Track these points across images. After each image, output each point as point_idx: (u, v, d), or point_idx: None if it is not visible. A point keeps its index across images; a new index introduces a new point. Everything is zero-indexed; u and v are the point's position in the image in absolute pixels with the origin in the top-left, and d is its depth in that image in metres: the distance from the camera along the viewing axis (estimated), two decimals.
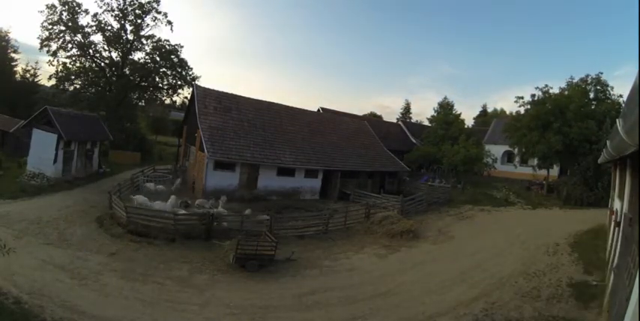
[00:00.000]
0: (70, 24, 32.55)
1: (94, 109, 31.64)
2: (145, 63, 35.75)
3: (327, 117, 32.83)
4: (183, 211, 16.17)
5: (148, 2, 34.87)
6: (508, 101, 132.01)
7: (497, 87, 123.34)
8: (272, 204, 20.93)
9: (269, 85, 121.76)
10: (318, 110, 37.22)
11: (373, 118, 51.32)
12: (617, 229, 8.84)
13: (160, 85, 37.56)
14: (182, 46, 36.40)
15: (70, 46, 33.22)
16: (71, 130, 22.28)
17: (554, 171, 29.42)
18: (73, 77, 33.67)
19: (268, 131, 24.24)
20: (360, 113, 52.79)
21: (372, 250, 14.74)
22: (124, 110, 34.20)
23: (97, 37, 34.04)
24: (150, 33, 35.78)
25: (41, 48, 32.70)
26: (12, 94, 36.75)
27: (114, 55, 35.21)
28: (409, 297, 10.22)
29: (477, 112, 73.51)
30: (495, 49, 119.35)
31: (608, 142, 6.48)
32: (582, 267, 11.61)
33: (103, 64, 35.10)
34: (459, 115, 40.71)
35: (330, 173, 24.90)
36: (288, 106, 28.60)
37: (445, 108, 41.24)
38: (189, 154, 26.16)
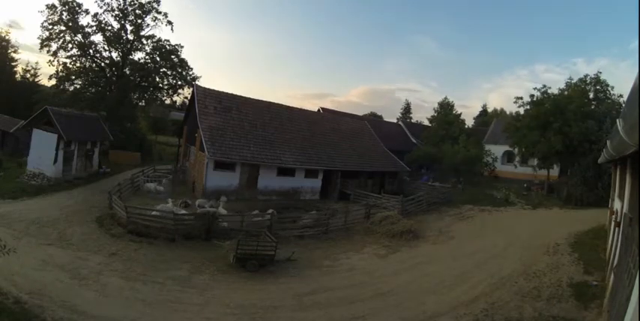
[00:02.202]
0: (70, 24, 32.54)
1: (94, 109, 31.63)
2: (145, 63, 35.74)
3: (328, 117, 32.86)
4: (183, 211, 16.18)
5: (149, 2, 34.85)
6: (501, 91, 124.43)
7: (490, 73, 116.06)
8: (272, 204, 20.92)
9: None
10: (319, 110, 37.29)
11: (373, 118, 51.39)
12: (617, 229, 8.84)
13: (160, 85, 37.54)
14: (182, 46, 36.44)
15: (70, 46, 33.20)
16: (71, 130, 22.26)
17: (555, 171, 29.42)
18: (73, 77, 33.64)
19: (268, 131, 24.24)
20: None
21: (373, 250, 14.75)
22: (124, 110, 34.15)
23: (98, 37, 34.05)
24: (150, 33, 35.79)
25: (41, 48, 32.72)
26: (12, 94, 36.75)
27: (114, 55, 35.21)
28: (409, 297, 10.22)
29: (477, 112, 73.77)
30: (485, 26, 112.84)
31: (608, 142, 6.48)
32: (582, 267, 11.61)
33: (103, 64, 35.09)
34: (459, 115, 40.82)
35: (330, 173, 24.90)
36: (288, 106, 28.65)
37: (445, 108, 41.30)
38: (190, 154, 26.17)
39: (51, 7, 32.05)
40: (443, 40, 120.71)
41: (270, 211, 16.67)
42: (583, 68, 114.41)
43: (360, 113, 52.61)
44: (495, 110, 70.16)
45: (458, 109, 41.57)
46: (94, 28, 33.40)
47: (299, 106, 30.33)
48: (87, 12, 33.26)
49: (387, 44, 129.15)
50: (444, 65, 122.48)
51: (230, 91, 25.76)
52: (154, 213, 15.19)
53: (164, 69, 36.56)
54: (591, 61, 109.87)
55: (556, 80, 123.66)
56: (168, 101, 41.21)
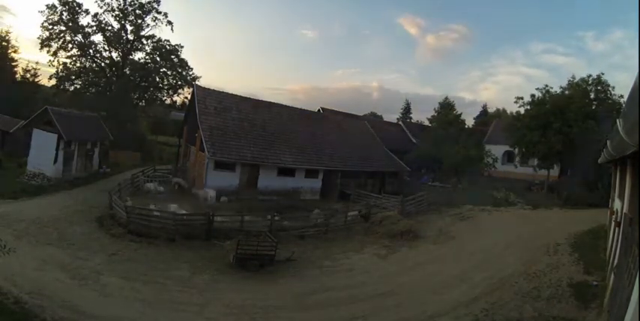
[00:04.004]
0: (70, 24, 32.62)
1: (94, 109, 31.63)
2: (146, 63, 35.80)
3: (328, 117, 32.88)
4: (183, 211, 16.17)
5: (149, 2, 34.95)
6: (494, 80, 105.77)
7: (476, 56, 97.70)
8: (272, 204, 20.90)
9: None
10: (319, 110, 37.28)
11: (373, 118, 51.43)
12: (617, 229, 8.84)
13: (161, 85, 37.60)
14: (182, 46, 36.50)
15: (70, 46, 33.34)
16: (71, 130, 22.27)
17: (555, 171, 29.41)
18: (73, 77, 33.73)
19: (268, 131, 24.23)
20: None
21: (373, 250, 14.73)
22: (124, 110, 34.19)
23: (98, 37, 34.24)
24: (150, 33, 35.88)
25: (42, 48, 32.83)
26: (12, 94, 36.71)
27: (114, 55, 35.32)
28: (409, 297, 10.21)
29: (478, 112, 73.75)
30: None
31: (608, 142, 6.48)
32: (583, 267, 11.61)
33: (103, 64, 35.16)
34: (460, 115, 40.87)
35: (330, 173, 24.89)
36: (288, 106, 28.68)
37: (445, 108, 41.37)
38: (190, 155, 26.16)
39: (51, 7, 32.16)
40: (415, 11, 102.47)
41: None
42: (593, 46, 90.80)
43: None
44: (498, 110, 70.19)
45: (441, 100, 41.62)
46: (94, 28, 33.54)
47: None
48: (87, 12, 33.45)
49: (359, 22, 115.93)
50: (421, 46, 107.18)
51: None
52: (155, 213, 15.19)
53: (164, 69, 36.64)
54: (602, 36, 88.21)
55: (559, 64, 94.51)
56: (168, 101, 41.34)
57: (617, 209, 10.35)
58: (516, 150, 30.41)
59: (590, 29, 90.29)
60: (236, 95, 25.74)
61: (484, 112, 72.32)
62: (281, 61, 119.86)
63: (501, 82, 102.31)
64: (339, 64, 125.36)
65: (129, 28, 34.84)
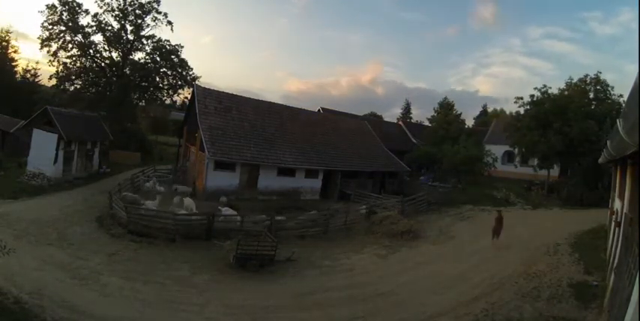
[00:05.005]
0: (70, 24, 32.55)
1: (94, 109, 31.64)
2: (146, 63, 35.73)
3: (328, 117, 32.90)
4: (183, 211, 16.17)
5: (149, 2, 34.86)
6: (489, 72, 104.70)
7: (467, 46, 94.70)
8: (272, 204, 20.91)
9: None
10: (319, 110, 37.29)
11: (373, 118, 51.44)
12: (617, 229, 8.84)
13: (161, 85, 37.53)
14: (182, 46, 36.44)
15: (70, 46, 33.22)
16: (71, 130, 22.28)
17: (555, 171, 29.40)
18: (73, 77, 33.68)
19: (269, 131, 24.24)
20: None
21: (373, 250, 14.74)
22: (124, 110, 34.20)
23: (98, 37, 34.08)
24: (150, 33, 35.80)
25: (41, 48, 32.76)
26: (12, 94, 36.74)
27: (114, 55, 35.21)
28: (409, 297, 10.20)
29: (477, 112, 73.89)
30: None
31: (608, 142, 6.48)
32: (583, 267, 11.59)
33: (103, 64, 35.09)
34: (459, 114, 40.91)
35: (330, 173, 24.90)
36: (288, 107, 28.70)
37: (445, 108, 41.41)
38: (190, 155, 26.17)
39: (51, 7, 32.06)
40: None
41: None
42: (598, 29, 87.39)
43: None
44: (495, 110, 70.30)
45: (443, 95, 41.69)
46: (94, 28, 33.42)
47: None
48: (87, 12, 33.31)
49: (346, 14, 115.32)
50: (409, 34, 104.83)
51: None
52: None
53: (164, 69, 36.56)
54: (609, 17, 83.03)
55: (562, 52, 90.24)
56: (168, 101, 41.27)
57: (617, 209, 10.36)
58: (516, 150, 30.41)
59: (594, 9, 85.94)
60: (236, 95, 25.79)
61: (484, 111, 72.48)
62: (280, 59, 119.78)
63: (497, 74, 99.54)
64: (338, 60, 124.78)
65: (129, 28, 34.77)
